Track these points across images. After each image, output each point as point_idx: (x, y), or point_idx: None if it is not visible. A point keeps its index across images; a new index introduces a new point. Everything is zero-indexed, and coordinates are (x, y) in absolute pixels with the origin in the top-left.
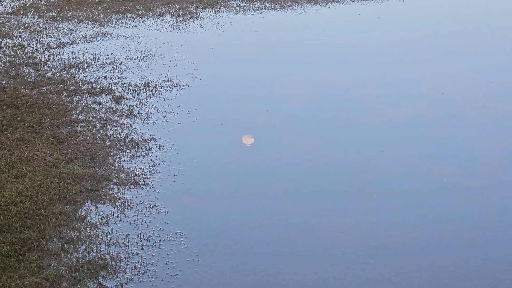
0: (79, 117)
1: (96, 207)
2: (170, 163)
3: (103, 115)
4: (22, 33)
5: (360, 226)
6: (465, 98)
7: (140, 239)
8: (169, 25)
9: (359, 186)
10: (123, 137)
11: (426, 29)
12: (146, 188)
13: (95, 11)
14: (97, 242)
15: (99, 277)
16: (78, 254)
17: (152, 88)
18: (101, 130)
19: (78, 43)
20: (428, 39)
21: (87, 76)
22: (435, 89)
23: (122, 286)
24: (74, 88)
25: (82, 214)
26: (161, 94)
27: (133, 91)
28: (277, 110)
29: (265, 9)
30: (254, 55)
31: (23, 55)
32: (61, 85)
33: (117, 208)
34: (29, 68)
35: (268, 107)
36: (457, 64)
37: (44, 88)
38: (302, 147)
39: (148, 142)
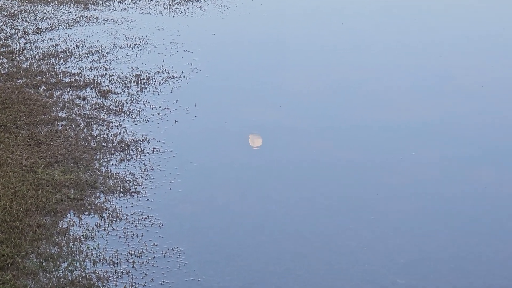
0: (60, 114)
1: (80, 219)
2: (166, 168)
3: (87, 112)
4: None
5: (387, 240)
6: (509, 92)
7: (131, 255)
8: (164, 7)
9: (385, 193)
10: (111, 137)
11: (454, 14)
12: (137, 196)
13: None
14: (81, 259)
15: None
16: (59, 273)
17: (144, 80)
18: (85, 130)
19: (58, 28)
20: (461, 24)
21: (69, 67)
22: (473, 82)
23: None
24: (54, 81)
25: (63, 226)
26: (155, 87)
27: (122, 84)
28: (288, 106)
29: None
30: (262, 42)
31: None
32: (39, 77)
33: (104, 219)
34: (1, 58)
35: (279, 102)
36: (499, 52)
37: (20, 81)
38: (318, 149)
39: (140, 144)
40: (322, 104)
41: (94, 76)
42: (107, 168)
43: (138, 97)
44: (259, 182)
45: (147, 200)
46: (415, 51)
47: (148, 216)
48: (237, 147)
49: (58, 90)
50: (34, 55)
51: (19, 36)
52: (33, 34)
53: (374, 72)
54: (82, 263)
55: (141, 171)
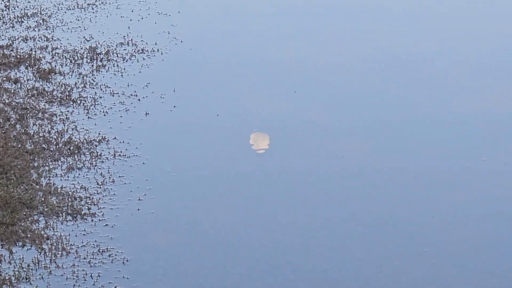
0: None
1: (10, 252)
2: (132, 180)
3: (21, 100)
4: None
5: (448, 279)
6: None
7: None
8: None
9: (444, 215)
10: (55, 136)
11: None
12: (92, 220)
13: None
14: None
15: None
16: None
17: (102, 56)
18: (18, 126)
19: None
20: None
21: None
22: None
23: None
24: None
25: None
26: (117, 66)
27: (71, 61)
28: (306, 92)
29: None
30: (264, 2)
31: None
32: None
33: (45, 253)
34: None
35: (293, 86)
36: None
37: None
38: (348, 153)
39: (96, 145)
40: (349, 89)
41: (31, 50)
42: (49, 180)
43: (93, 79)
44: (265, 200)
45: (106, 225)
46: (483, 17)
47: (107, 249)
48: (233, 150)
49: None
50: None
51: None
52: None
53: (428, 42)
54: None
55: (97, 184)
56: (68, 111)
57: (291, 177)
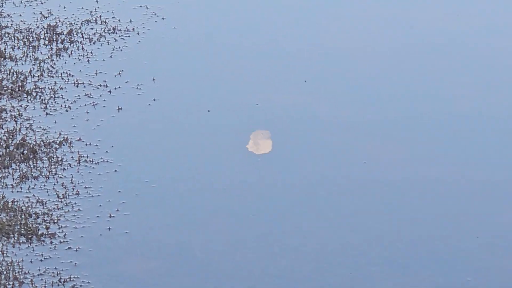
0: None
1: None
2: (101, 191)
3: None
4: None
5: None
6: None
7: None
8: None
9: (492, 236)
10: (4, 137)
11: None
12: (52, 242)
13: None
14: None
15: None
16: None
17: (63, 37)
18: None
19: None
20: None
21: None
22: None
23: None
24: None
25: None
26: (83, 49)
27: (24, 44)
28: (319, 82)
29: None
30: None
31: None
32: None
33: None
34: None
35: (303, 74)
36: None
37: None
38: (366, 157)
39: (56, 149)
40: (378, 78)
41: None
42: None
43: (52, 66)
44: (266, 218)
45: (69, 248)
46: None
47: (70, 278)
48: (227, 154)
49: None
50: None
51: None
52: None
53: (473, 24)
54: None
55: (58, 197)
56: (21, 105)
57: (299, 188)
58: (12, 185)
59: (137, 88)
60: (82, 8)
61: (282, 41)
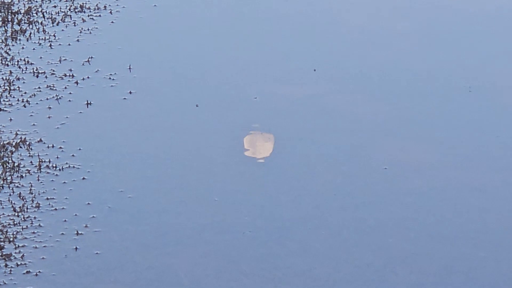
0: None
1: None
2: (67, 203)
3: None
4: None
5: None
6: None
7: None
8: None
9: None
10: None
11: None
12: (6, 265)
13: None
14: None
15: None
16: None
17: (20, 16)
18: None
19: None
20: None
21: None
22: None
23: None
24: None
25: None
26: (44, 31)
27: None
28: (326, 71)
29: None
30: None
31: None
32: None
33: None
34: None
35: (311, 62)
36: None
37: None
38: (388, 162)
39: (12, 152)
40: (401, 66)
41: None
42: None
43: (6, 52)
44: (265, 236)
45: (27, 272)
46: None
47: None
48: (219, 158)
49: None
50: None
51: None
52: None
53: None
54: None
55: (14, 210)
56: None
57: (306, 199)
58: None
59: (110, 78)
60: None
61: (285, 20)
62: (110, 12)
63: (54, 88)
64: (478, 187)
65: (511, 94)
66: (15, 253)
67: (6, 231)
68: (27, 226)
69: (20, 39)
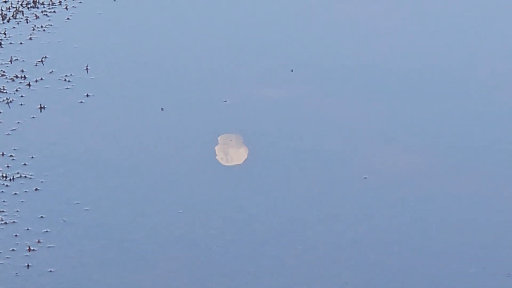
0: None
1: None
2: (18, 217)
3: None
4: None
5: None
6: None
7: None
8: None
9: None
10: None
11: None
12: None
13: None
14: None
15: None
16: None
17: None
18: None
19: None
20: None
21: None
22: None
23: None
24: None
25: None
26: None
27: None
28: (304, 71)
29: None
30: None
31: None
32: None
33: None
34: None
35: (288, 62)
36: None
37: None
38: (371, 171)
39: None
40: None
41: None
42: None
43: None
44: (239, 251)
45: None
46: None
47: None
48: (187, 166)
49: None
50: None
51: None
52: None
53: None
54: None
55: None
56: None
57: (281, 211)
58: None
59: (65, 80)
60: None
61: (260, 17)
62: (66, 8)
63: (4, 91)
64: (466, 197)
65: (500, 100)
66: None
67: None
68: None
69: None
